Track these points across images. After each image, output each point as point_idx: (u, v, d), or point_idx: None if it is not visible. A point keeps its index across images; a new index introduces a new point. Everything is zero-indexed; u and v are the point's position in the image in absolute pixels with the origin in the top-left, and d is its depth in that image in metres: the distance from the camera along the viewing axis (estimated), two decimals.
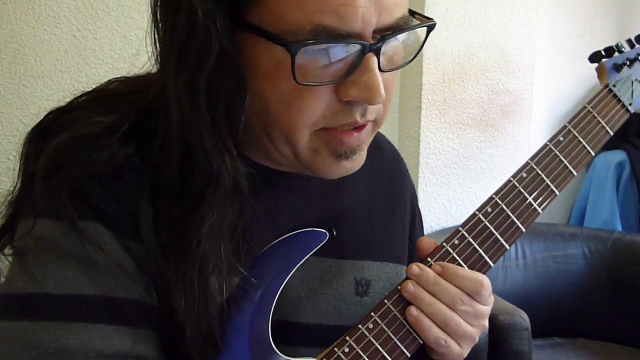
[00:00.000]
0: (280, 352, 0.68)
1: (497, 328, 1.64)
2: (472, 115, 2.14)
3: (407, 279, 0.71)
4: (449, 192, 2.16)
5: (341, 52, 0.60)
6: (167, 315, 0.63)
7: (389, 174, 0.86)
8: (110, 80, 0.72)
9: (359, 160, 0.67)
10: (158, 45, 0.64)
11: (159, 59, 0.64)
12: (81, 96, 0.70)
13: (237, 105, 0.62)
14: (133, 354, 0.61)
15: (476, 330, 0.71)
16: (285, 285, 0.69)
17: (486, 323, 0.72)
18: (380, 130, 0.72)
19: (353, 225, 0.78)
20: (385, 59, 0.62)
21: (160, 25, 0.63)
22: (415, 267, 0.70)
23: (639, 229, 2.37)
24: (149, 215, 0.63)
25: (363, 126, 0.65)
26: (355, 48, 0.59)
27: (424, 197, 2.12)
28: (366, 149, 0.68)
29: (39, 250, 0.61)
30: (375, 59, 0.60)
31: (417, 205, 0.91)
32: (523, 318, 1.66)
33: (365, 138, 0.67)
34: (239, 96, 0.62)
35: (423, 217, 0.93)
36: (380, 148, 0.87)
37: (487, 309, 0.72)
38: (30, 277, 0.60)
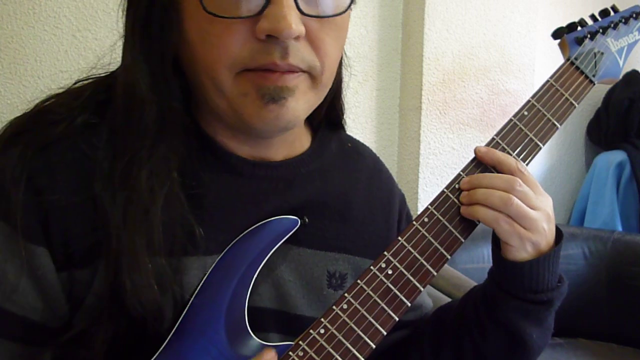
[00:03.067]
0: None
1: None
2: (472, 115, 2.14)
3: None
4: None
5: None
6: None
7: (368, 176, 0.87)
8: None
9: (289, 106, 0.67)
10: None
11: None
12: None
13: (167, 40, 0.67)
14: None
15: (539, 213, 0.74)
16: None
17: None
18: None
19: (323, 216, 0.79)
20: (305, 1, 0.64)
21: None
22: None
23: (639, 229, 2.37)
24: (104, 166, 0.67)
25: (290, 72, 0.66)
26: None
27: (424, 197, 2.11)
28: (298, 97, 0.68)
29: None
30: None
31: (407, 210, 0.92)
32: None
33: (292, 80, 0.66)
34: (168, 32, 0.67)
35: None
36: (360, 154, 0.89)
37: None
38: None
